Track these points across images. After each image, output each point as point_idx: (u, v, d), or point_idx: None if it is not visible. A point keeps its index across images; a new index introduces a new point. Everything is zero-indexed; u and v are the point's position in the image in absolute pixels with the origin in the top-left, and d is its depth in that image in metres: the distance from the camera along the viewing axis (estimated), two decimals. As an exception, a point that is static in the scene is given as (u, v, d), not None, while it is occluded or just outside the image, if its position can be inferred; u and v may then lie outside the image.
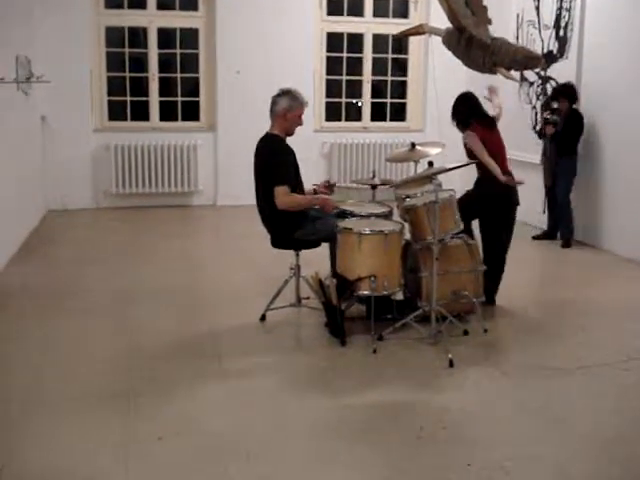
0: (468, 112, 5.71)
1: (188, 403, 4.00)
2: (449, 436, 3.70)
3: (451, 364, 4.51)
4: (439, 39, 5.60)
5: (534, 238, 8.12)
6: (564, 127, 7.57)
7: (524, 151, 8.76)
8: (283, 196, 5.04)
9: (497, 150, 5.65)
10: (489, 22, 5.39)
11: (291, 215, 5.11)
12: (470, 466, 3.37)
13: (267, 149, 5.20)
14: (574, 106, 7.61)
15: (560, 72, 8.15)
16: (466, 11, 5.30)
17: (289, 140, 5.27)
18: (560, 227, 7.93)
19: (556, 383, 4.36)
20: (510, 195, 5.65)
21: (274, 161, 5.12)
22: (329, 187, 5.58)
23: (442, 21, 5.61)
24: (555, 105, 7.64)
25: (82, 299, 5.81)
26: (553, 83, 8.29)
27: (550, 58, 8.22)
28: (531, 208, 8.59)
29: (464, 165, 5.17)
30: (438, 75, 7.96)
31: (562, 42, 8.16)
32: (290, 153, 5.19)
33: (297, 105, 5.19)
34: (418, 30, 6.01)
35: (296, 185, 5.20)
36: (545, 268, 7.44)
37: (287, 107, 5.15)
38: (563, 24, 8.15)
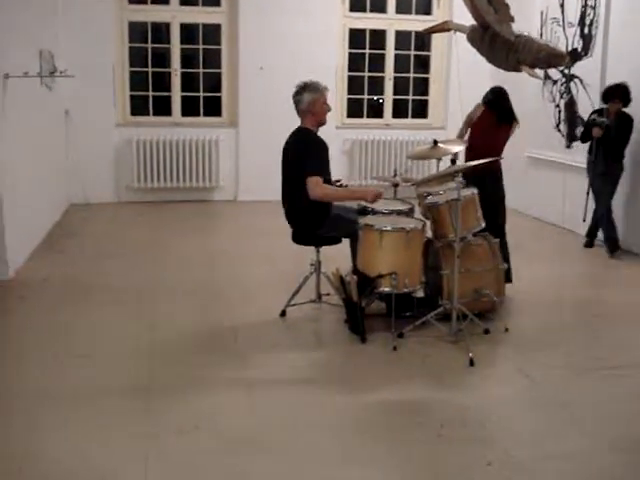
0: (495, 103, 5.91)
1: (207, 398, 4.00)
2: (469, 435, 3.68)
3: (472, 363, 4.49)
4: (463, 36, 5.58)
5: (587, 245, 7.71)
6: (616, 130, 7.16)
7: (546, 150, 8.73)
8: (316, 186, 5.00)
9: (491, 144, 5.76)
10: (512, 20, 5.37)
11: (314, 211, 5.10)
12: (490, 465, 3.36)
13: (300, 142, 5.18)
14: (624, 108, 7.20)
15: (584, 70, 8.09)
16: (489, 8, 5.28)
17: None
18: (604, 233, 7.50)
19: (577, 383, 4.33)
20: (487, 177, 5.69)
21: (307, 152, 5.10)
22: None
23: (465, 18, 5.60)
24: (603, 106, 7.30)
25: (102, 293, 5.83)
26: (577, 81, 8.22)
27: (575, 56, 8.15)
28: (551, 208, 8.55)
29: (487, 162, 5.13)
30: (461, 71, 7.90)
31: (587, 40, 8.09)
32: (324, 147, 5.16)
33: (318, 95, 5.17)
34: (443, 27, 5.99)
35: (326, 180, 5.19)
36: (574, 269, 7.16)
37: (311, 101, 5.14)
38: (588, 22, 8.07)
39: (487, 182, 5.63)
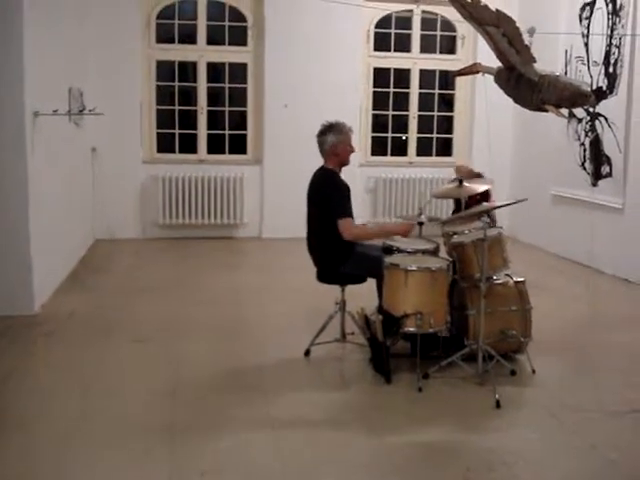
0: None
1: (231, 438, 3.97)
2: (496, 478, 3.62)
3: (498, 405, 4.42)
4: (490, 77, 5.63)
5: None
6: None
7: (572, 188, 8.68)
8: (349, 227, 5.05)
9: None
10: (533, 60, 5.41)
11: (338, 249, 5.10)
12: (518, 511, 3.30)
13: (325, 183, 5.21)
14: None
15: (610, 109, 8.07)
16: (511, 50, 5.32)
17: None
18: None
19: (606, 426, 4.25)
20: None
21: (335, 194, 5.13)
22: None
23: (489, 57, 5.65)
24: None
25: (127, 329, 5.85)
26: (602, 120, 8.21)
27: (600, 95, 8.14)
28: (576, 246, 8.48)
29: (513, 203, 5.12)
30: (488, 110, 7.92)
31: (612, 78, 8.09)
32: (347, 188, 5.19)
33: (343, 137, 5.20)
34: (472, 69, 6.05)
35: None
36: (603, 309, 7.03)
37: (335, 142, 5.17)
38: (612, 61, 8.08)
39: None
